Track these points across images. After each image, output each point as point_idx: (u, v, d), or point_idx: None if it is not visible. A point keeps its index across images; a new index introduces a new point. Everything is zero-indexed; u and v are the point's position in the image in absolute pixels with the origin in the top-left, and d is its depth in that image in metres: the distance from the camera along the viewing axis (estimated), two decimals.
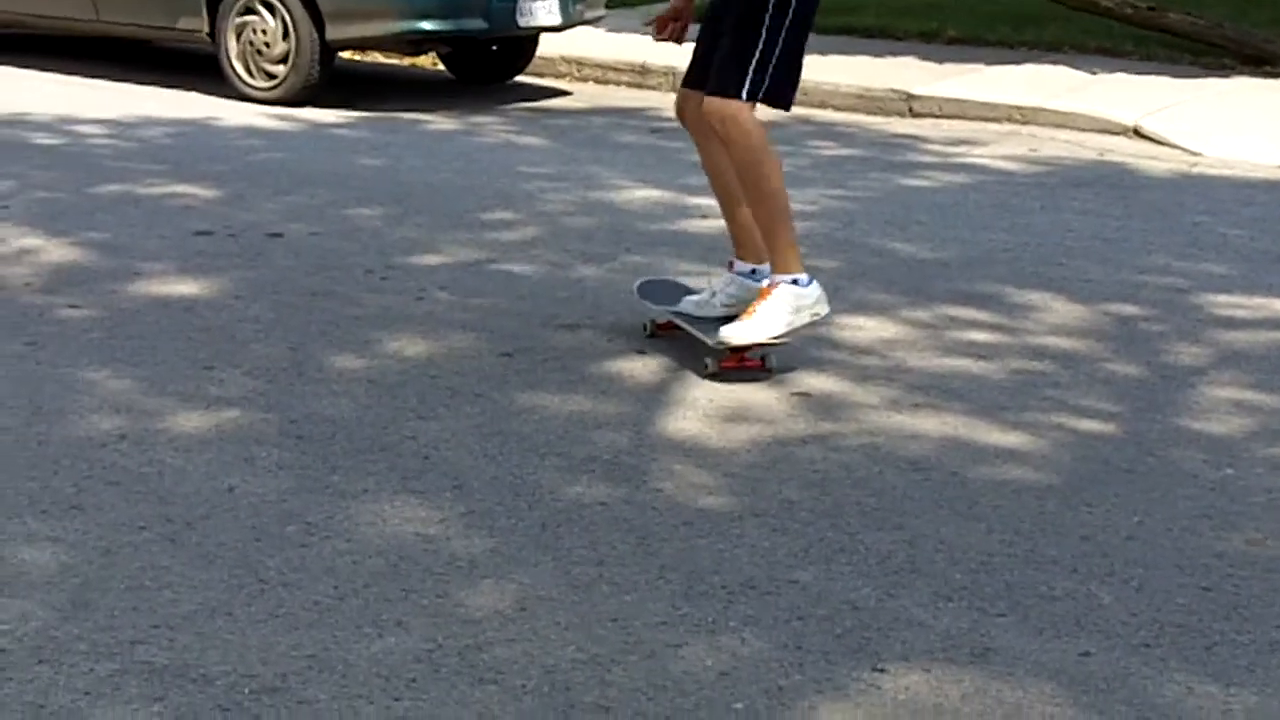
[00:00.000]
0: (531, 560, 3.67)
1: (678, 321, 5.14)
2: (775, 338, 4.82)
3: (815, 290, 4.85)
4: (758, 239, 5.00)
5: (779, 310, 4.79)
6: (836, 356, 5.17)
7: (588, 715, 3.03)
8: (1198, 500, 4.12)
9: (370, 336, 5.26)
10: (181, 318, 5.41)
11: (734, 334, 4.82)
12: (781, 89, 4.80)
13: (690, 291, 5.29)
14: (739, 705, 3.08)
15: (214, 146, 8.50)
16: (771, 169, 4.79)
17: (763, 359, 4.93)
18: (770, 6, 4.68)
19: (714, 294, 5.13)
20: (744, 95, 4.71)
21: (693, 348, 5.09)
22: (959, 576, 3.65)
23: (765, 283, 4.86)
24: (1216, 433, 4.61)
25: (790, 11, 4.70)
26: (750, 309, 4.83)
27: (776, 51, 4.71)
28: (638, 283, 5.45)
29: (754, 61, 4.69)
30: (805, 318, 4.84)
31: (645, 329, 5.30)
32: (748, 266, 5.08)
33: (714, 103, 4.77)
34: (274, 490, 4.01)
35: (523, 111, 10.13)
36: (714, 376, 4.86)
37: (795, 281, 4.82)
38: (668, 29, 5.21)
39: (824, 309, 4.89)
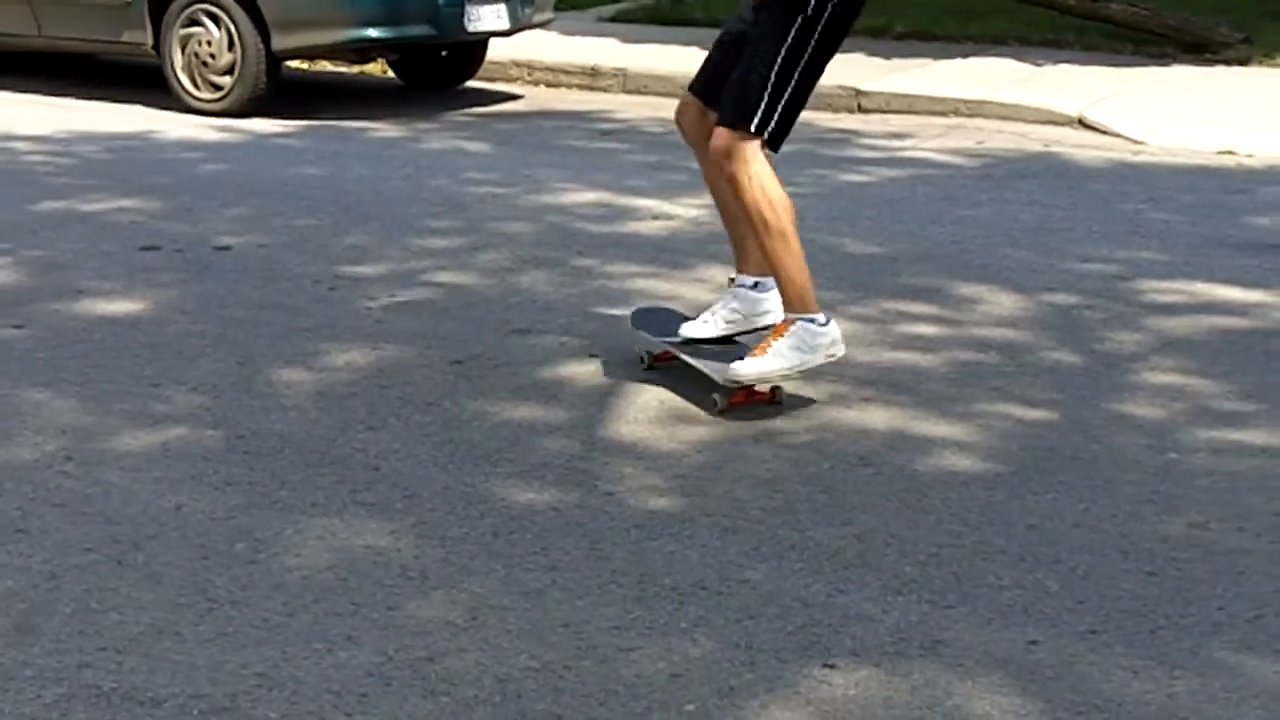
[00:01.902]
0: (483, 569, 3.67)
1: (680, 355, 4.93)
2: (787, 373, 4.65)
3: (833, 330, 4.64)
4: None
5: (794, 347, 4.59)
6: None
7: None
8: (1142, 485, 4.16)
9: (319, 348, 5.25)
10: (127, 335, 5.39)
11: (746, 370, 4.61)
12: (782, 131, 4.64)
13: (687, 318, 5.09)
14: (690, 707, 3.09)
15: (159, 160, 8.47)
16: (779, 209, 4.60)
17: (773, 391, 4.75)
18: (789, 39, 4.52)
19: (714, 312, 4.96)
20: (752, 128, 4.55)
21: (680, 372, 5.05)
22: (909, 569, 3.67)
23: (780, 319, 4.67)
24: (1159, 418, 4.65)
25: (808, 51, 4.55)
26: (764, 345, 4.64)
27: (788, 91, 4.56)
28: (631, 313, 5.28)
29: (766, 96, 4.54)
30: (820, 358, 4.62)
31: (643, 361, 5.08)
32: (750, 280, 4.92)
33: (722, 138, 4.61)
34: (222, 507, 4.00)
35: (472, 117, 10.13)
36: (724, 413, 4.67)
37: (812, 321, 4.62)
38: None
39: (840, 350, 4.66)
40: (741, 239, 4.92)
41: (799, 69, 4.56)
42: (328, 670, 3.20)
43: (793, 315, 4.62)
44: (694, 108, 4.91)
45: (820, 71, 4.65)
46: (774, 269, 4.67)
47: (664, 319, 5.19)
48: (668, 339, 5.01)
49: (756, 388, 4.74)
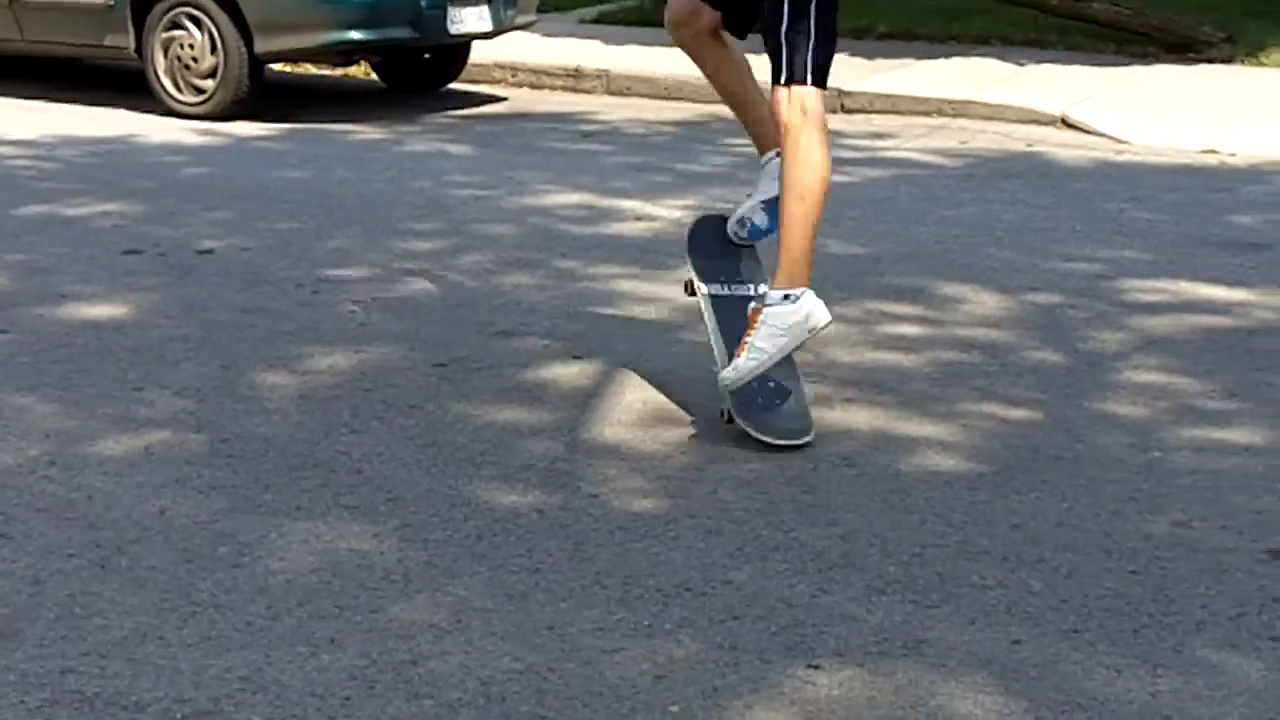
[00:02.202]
0: (467, 571, 3.67)
1: (704, 314, 4.73)
2: (770, 363, 4.47)
3: (807, 303, 4.45)
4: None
5: (768, 336, 4.45)
6: None
7: None
8: (1124, 484, 4.16)
9: (302, 351, 5.24)
10: (110, 339, 5.38)
11: (732, 376, 4.47)
12: (821, 69, 4.44)
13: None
14: (675, 708, 3.09)
15: (142, 164, 8.46)
16: (815, 174, 4.42)
17: None
18: None
19: (750, 196, 4.81)
20: (783, 80, 4.39)
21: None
22: (892, 569, 3.68)
23: (751, 306, 4.54)
24: (1142, 417, 4.66)
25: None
26: (741, 344, 4.49)
27: (811, 31, 4.38)
28: (692, 223, 5.00)
29: (785, 45, 4.38)
30: (801, 335, 4.47)
31: (686, 288, 4.84)
32: (773, 153, 4.68)
33: (782, 97, 4.41)
34: (205, 511, 3.99)
35: (455, 119, 10.13)
36: (733, 422, 4.51)
37: (787, 297, 4.44)
38: None
39: (821, 320, 4.47)
40: (754, 122, 4.78)
41: (812, 5, 4.39)
42: (311, 673, 3.20)
43: (769, 298, 4.47)
44: (685, 10, 4.72)
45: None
46: (781, 230, 4.50)
47: (720, 249, 4.88)
48: (705, 284, 4.77)
49: None
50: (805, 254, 4.48)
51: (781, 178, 4.49)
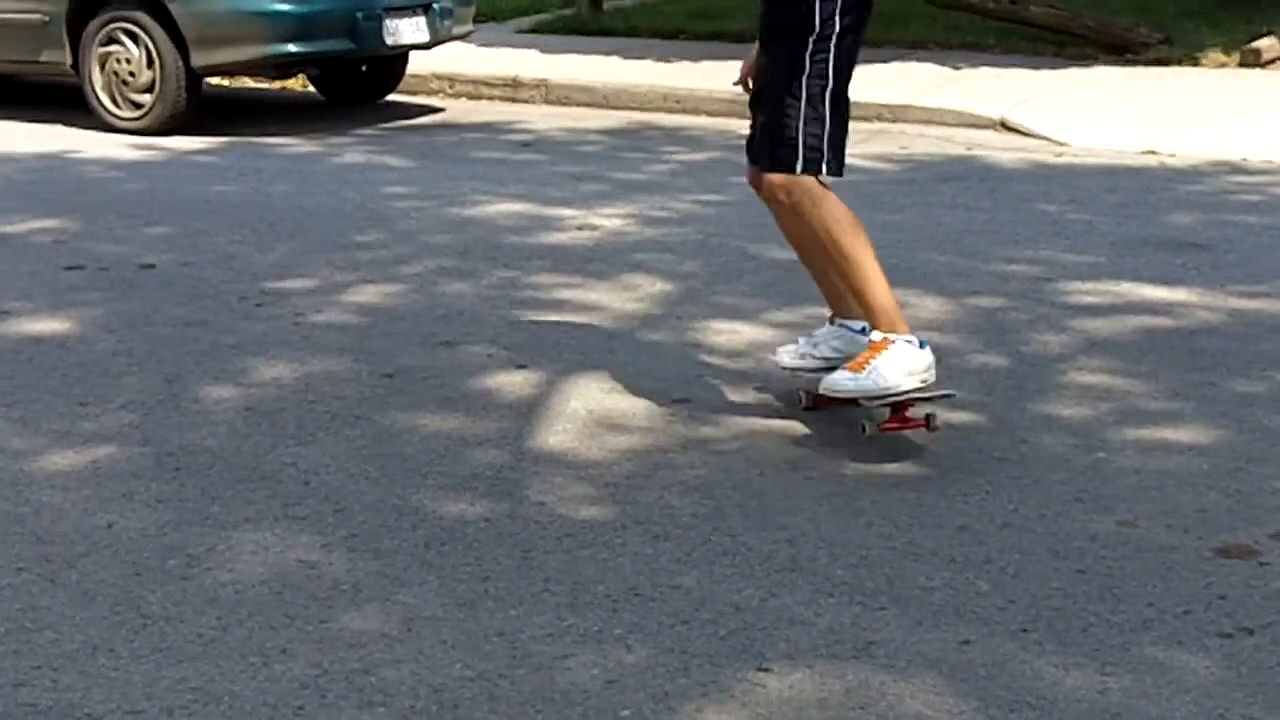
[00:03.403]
0: (416, 580, 3.67)
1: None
2: (885, 397, 4.35)
3: (928, 356, 4.35)
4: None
5: (895, 367, 4.29)
6: (712, 361, 5.22)
7: None
8: (1070, 485, 4.20)
9: (246, 364, 5.23)
10: (54, 355, 5.34)
11: (840, 384, 4.37)
12: (837, 157, 4.42)
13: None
14: (626, 713, 3.09)
15: (81, 180, 8.41)
16: (847, 230, 4.36)
17: (928, 418, 4.43)
18: (807, 66, 4.31)
19: (815, 345, 4.72)
20: (799, 171, 4.35)
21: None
22: (840, 572, 3.69)
23: (878, 336, 4.35)
24: (1086, 418, 4.70)
25: (830, 72, 4.33)
26: (863, 361, 4.33)
27: (826, 121, 4.34)
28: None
29: (802, 134, 4.32)
30: (915, 382, 4.31)
31: (800, 401, 4.75)
32: (858, 325, 4.59)
33: (775, 181, 4.41)
34: (153, 524, 3.97)
35: (394, 130, 10.11)
36: (872, 439, 4.44)
37: (910, 342, 4.33)
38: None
39: (932, 377, 4.36)
40: (832, 285, 4.66)
41: (827, 94, 4.33)
42: (263, 683, 3.19)
43: (888, 338, 4.34)
44: (754, 172, 4.65)
45: (848, 81, 4.40)
46: (857, 293, 4.42)
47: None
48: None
49: (908, 414, 4.43)
50: (893, 304, 4.38)
51: (824, 249, 4.43)
